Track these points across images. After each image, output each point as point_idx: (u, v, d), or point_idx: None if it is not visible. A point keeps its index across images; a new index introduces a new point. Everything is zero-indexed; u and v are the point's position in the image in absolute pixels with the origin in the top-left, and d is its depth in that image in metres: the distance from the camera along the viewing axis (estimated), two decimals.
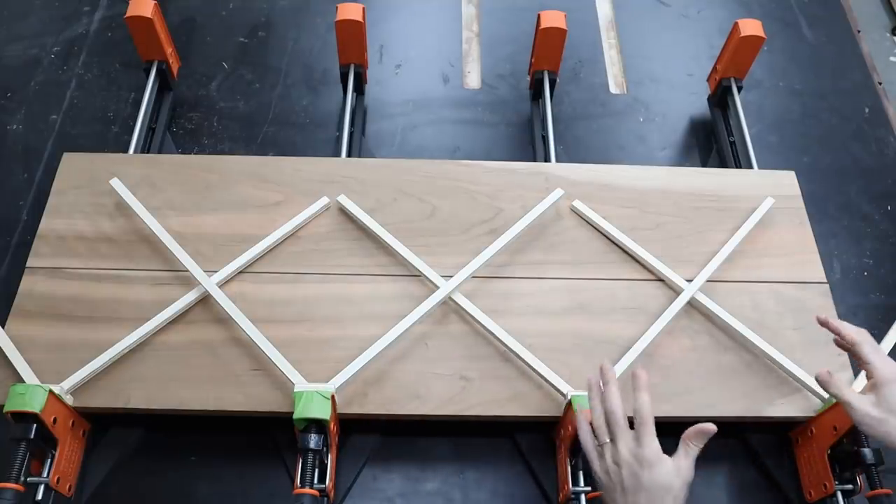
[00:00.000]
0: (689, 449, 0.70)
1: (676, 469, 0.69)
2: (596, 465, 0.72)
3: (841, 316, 0.95)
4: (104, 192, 0.99)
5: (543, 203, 1.00)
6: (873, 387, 0.74)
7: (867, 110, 1.30)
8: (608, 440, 0.71)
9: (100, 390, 0.84)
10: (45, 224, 0.97)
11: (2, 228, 1.06)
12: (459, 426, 0.89)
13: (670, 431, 0.91)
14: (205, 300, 0.91)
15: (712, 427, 0.70)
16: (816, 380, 0.78)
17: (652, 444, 0.69)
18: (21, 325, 0.88)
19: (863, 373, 0.89)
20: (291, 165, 1.04)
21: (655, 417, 0.70)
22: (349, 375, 0.83)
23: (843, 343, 0.79)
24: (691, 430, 0.71)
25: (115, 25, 1.33)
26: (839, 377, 0.76)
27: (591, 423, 0.74)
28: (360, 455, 0.89)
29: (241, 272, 0.94)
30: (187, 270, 0.91)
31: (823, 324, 0.81)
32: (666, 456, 0.69)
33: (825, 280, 0.98)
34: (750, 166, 1.12)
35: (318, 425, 0.77)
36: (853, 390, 0.75)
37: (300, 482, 0.76)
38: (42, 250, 0.95)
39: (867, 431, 0.73)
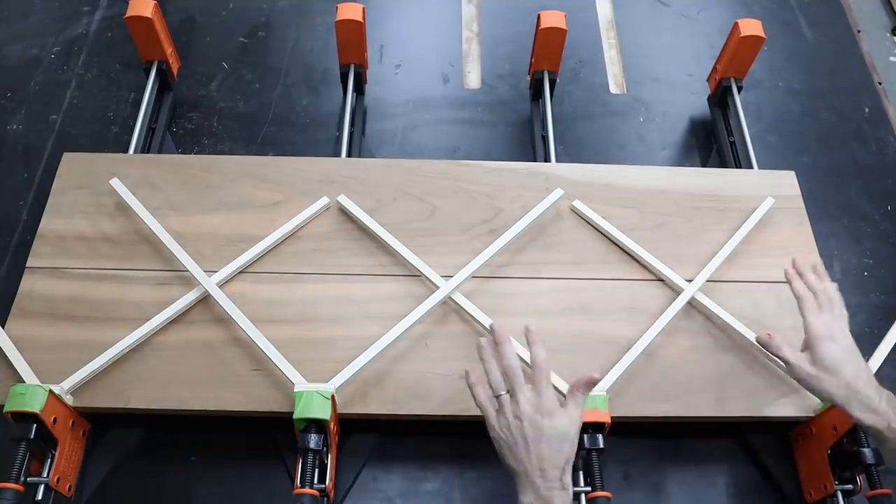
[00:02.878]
0: (578, 399, 0.72)
1: (570, 418, 0.71)
2: (495, 424, 0.72)
3: None
4: (104, 192, 0.99)
5: (543, 203, 1.00)
6: (808, 345, 0.78)
7: (867, 110, 1.30)
8: (505, 392, 0.72)
9: (100, 390, 0.84)
10: (45, 224, 0.97)
11: (2, 228, 1.06)
12: (459, 426, 0.89)
13: (671, 432, 0.91)
14: (205, 300, 0.91)
15: (597, 377, 0.73)
16: (758, 342, 0.81)
17: (550, 394, 0.71)
18: (21, 325, 0.88)
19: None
20: (291, 165, 1.04)
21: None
22: (349, 375, 0.83)
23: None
24: (579, 380, 0.73)
25: (115, 25, 1.33)
26: (778, 337, 0.79)
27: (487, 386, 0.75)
28: (360, 455, 0.89)
29: (241, 272, 0.94)
30: (187, 270, 0.91)
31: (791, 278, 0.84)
32: (562, 407, 0.71)
33: None
34: (750, 166, 1.12)
35: (318, 425, 0.77)
36: (793, 348, 0.78)
37: (300, 482, 0.76)
38: (42, 250, 0.95)
39: (806, 388, 0.77)
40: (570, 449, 0.70)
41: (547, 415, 0.69)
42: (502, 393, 0.72)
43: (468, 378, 0.76)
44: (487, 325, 0.89)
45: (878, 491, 0.79)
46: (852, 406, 0.73)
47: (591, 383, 0.73)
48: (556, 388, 0.75)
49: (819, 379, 0.75)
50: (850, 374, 0.75)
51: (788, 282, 0.84)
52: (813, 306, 0.80)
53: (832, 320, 0.79)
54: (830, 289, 0.83)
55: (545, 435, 0.69)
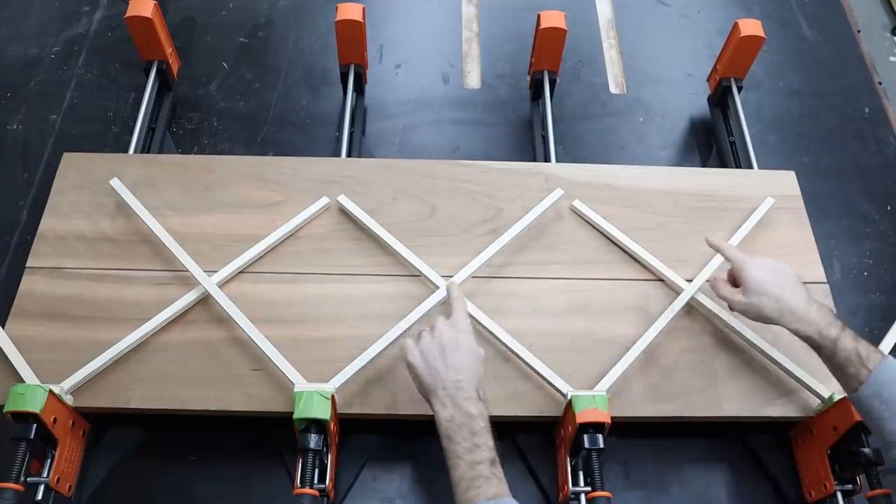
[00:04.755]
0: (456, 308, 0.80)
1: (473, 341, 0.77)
2: (412, 352, 0.76)
3: (841, 316, 0.95)
4: (104, 192, 0.99)
5: (543, 203, 1.00)
6: (736, 278, 0.85)
7: (867, 110, 1.30)
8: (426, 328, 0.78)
9: (100, 390, 0.84)
10: (45, 224, 0.97)
11: (2, 228, 1.06)
12: None
13: (671, 432, 0.91)
14: (205, 300, 0.91)
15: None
16: (709, 283, 0.88)
17: (464, 318, 0.78)
18: (21, 325, 0.88)
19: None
20: (291, 165, 1.04)
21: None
22: (349, 375, 0.83)
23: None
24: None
25: (115, 25, 1.32)
26: (719, 280, 0.87)
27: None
28: (360, 455, 0.89)
29: (241, 272, 0.94)
30: (187, 270, 0.91)
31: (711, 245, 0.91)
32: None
33: (825, 280, 0.98)
34: (750, 166, 1.12)
35: (318, 425, 0.77)
36: (728, 285, 0.85)
37: (300, 482, 0.76)
38: (42, 250, 0.95)
39: (751, 318, 0.83)
40: (482, 369, 0.75)
41: (462, 331, 0.76)
42: (423, 330, 0.77)
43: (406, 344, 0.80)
44: (488, 326, 0.89)
45: (878, 491, 0.79)
46: (785, 319, 0.79)
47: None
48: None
49: (752, 305, 0.81)
50: (777, 289, 0.80)
51: (710, 245, 0.91)
52: (732, 248, 0.88)
53: (747, 254, 0.85)
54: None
55: (461, 347, 0.75)
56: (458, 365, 0.73)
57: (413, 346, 0.76)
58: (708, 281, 0.89)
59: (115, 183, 0.98)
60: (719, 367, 0.90)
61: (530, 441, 0.90)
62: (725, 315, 0.92)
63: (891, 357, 0.75)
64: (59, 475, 0.80)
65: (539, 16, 1.14)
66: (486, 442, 0.70)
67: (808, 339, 0.79)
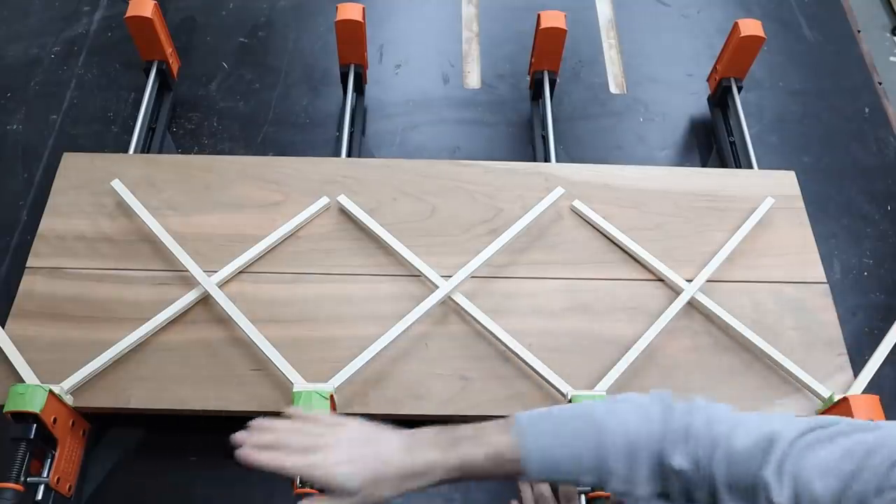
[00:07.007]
0: None
1: None
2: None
3: (841, 316, 0.95)
4: (104, 192, 0.99)
5: (543, 203, 1.00)
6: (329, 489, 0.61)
7: (867, 110, 1.30)
8: None
9: (100, 390, 0.84)
10: (45, 224, 0.97)
11: (2, 228, 1.06)
12: None
13: None
14: (205, 300, 0.91)
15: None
16: None
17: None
18: (21, 325, 0.88)
19: (863, 373, 0.89)
20: (291, 165, 1.04)
21: None
22: (348, 375, 0.83)
23: None
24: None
25: (115, 25, 1.33)
26: None
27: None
28: None
29: (241, 272, 0.94)
30: (187, 270, 0.91)
31: None
32: None
33: (825, 280, 0.98)
34: (750, 166, 1.12)
35: None
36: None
37: (300, 482, 0.76)
38: (42, 250, 0.95)
39: None
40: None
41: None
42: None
43: None
44: (488, 326, 0.89)
45: None
46: (408, 486, 0.59)
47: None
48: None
49: (366, 498, 0.59)
50: (381, 466, 0.59)
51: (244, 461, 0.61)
52: (293, 460, 0.60)
53: (318, 450, 0.60)
54: (280, 425, 0.63)
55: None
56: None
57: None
58: None
59: (117, 184, 0.98)
60: (719, 367, 0.90)
61: None
62: (725, 315, 0.92)
63: (522, 417, 0.60)
64: (59, 475, 0.80)
65: (539, 16, 1.14)
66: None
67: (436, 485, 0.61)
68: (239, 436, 0.61)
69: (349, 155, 1.12)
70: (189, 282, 0.92)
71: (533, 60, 1.21)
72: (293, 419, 0.64)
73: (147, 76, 1.15)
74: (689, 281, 0.95)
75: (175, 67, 1.19)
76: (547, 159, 1.13)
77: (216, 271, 0.92)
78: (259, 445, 0.62)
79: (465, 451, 0.60)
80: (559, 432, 0.59)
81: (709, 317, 0.93)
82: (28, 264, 0.93)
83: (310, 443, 0.62)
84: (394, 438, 0.62)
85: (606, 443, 0.56)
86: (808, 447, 0.50)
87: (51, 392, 0.77)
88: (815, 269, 0.99)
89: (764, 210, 1.02)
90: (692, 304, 0.94)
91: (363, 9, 1.12)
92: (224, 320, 0.89)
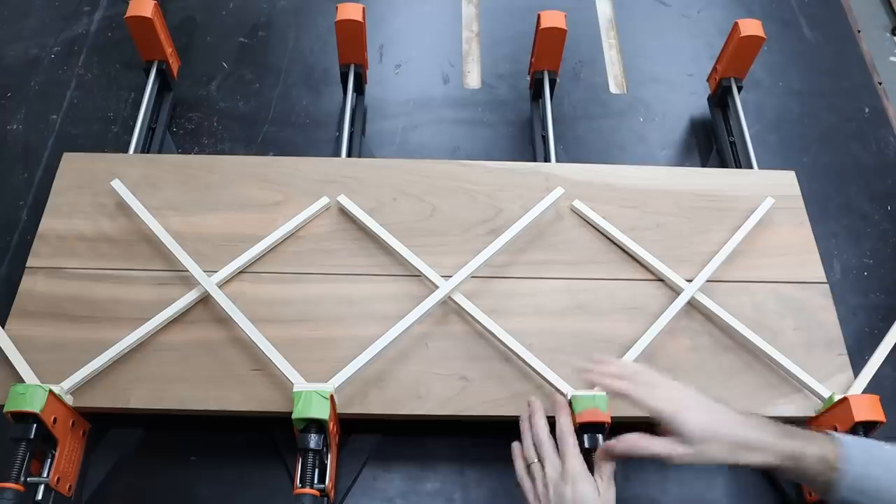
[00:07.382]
0: (603, 470, 0.72)
1: (595, 488, 0.70)
2: (530, 497, 0.73)
3: (841, 316, 0.95)
4: (104, 192, 0.99)
5: (543, 203, 1.00)
6: (667, 427, 0.69)
7: (867, 110, 1.30)
8: (536, 461, 0.74)
9: (100, 390, 0.84)
10: (45, 224, 0.97)
11: (2, 228, 1.06)
12: (459, 426, 0.89)
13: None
14: (205, 300, 0.91)
15: (612, 443, 0.71)
16: (628, 445, 0.71)
17: (573, 460, 0.71)
18: (21, 325, 0.88)
19: (863, 373, 0.89)
20: (291, 165, 1.04)
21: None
22: (348, 375, 0.83)
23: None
24: (598, 451, 0.73)
25: (115, 25, 1.33)
26: (641, 439, 0.70)
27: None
28: (360, 455, 0.89)
29: (241, 272, 0.94)
30: (187, 270, 0.91)
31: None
32: (590, 474, 0.71)
33: (825, 280, 0.98)
34: (750, 166, 1.12)
35: (317, 425, 0.77)
36: (655, 439, 0.69)
37: (300, 482, 0.76)
38: (42, 250, 0.95)
39: (698, 464, 0.69)
40: None
41: (571, 481, 0.70)
42: (534, 461, 0.74)
43: (512, 451, 0.78)
44: (488, 326, 0.89)
45: None
46: (740, 457, 0.67)
47: (610, 451, 0.71)
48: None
49: (701, 454, 0.67)
50: (723, 428, 0.68)
51: (595, 383, 0.77)
52: (640, 389, 0.71)
53: (665, 390, 0.71)
54: (627, 365, 0.76)
55: (567, 501, 0.69)
56: None
57: (530, 489, 0.73)
58: (621, 441, 0.71)
59: (117, 184, 0.98)
60: (719, 367, 0.90)
61: None
62: (725, 315, 0.92)
63: (847, 438, 0.68)
64: (59, 475, 0.80)
65: (539, 16, 1.14)
66: None
67: (764, 468, 0.68)
68: (584, 364, 0.75)
69: (349, 155, 1.12)
70: (189, 282, 0.92)
71: (533, 60, 1.21)
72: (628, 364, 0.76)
73: (147, 76, 1.15)
74: (689, 281, 0.95)
75: (175, 67, 1.19)
76: (547, 159, 1.13)
77: (216, 271, 0.92)
78: (607, 374, 0.74)
79: (800, 445, 0.67)
80: (885, 458, 0.66)
81: (709, 317, 0.94)
82: (28, 264, 0.93)
83: (658, 382, 0.72)
84: (729, 410, 0.69)
85: None
86: None
87: (51, 392, 0.77)
88: (815, 269, 0.99)
89: (764, 210, 1.02)
90: (692, 304, 0.94)
91: (363, 9, 1.12)
92: (224, 320, 0.89)
